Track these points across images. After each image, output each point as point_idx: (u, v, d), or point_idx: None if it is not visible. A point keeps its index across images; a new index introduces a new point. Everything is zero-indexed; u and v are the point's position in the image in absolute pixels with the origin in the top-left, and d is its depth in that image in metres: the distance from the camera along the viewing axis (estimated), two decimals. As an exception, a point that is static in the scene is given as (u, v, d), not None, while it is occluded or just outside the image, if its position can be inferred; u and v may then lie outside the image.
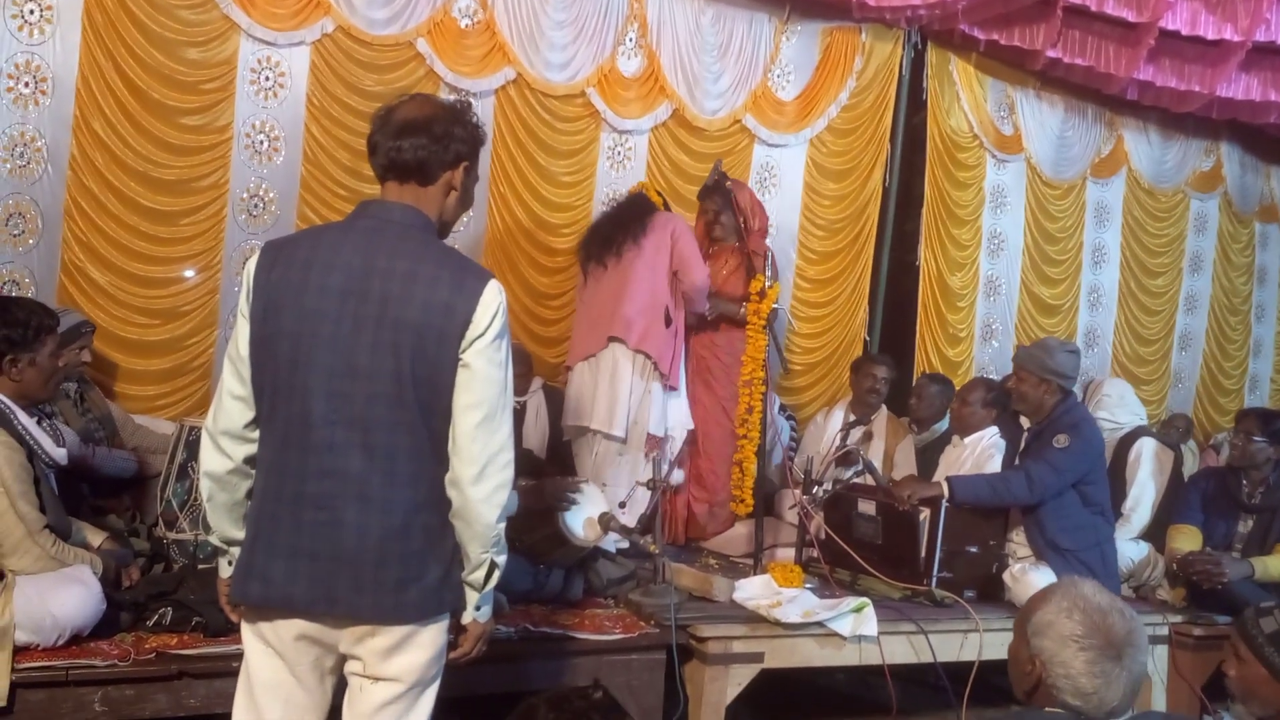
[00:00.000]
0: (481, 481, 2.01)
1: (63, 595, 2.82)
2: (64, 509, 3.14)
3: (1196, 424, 7.21)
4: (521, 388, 4.89)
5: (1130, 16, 5.90)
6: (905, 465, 5.07)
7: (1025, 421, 4.55)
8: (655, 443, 4.65)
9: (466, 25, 5.14)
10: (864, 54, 6.08)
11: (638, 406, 4.60)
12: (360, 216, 2.11)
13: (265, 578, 2.02)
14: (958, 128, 6.44)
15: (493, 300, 2.02)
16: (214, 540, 2.19)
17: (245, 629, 2.11)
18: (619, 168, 5.60)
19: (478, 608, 2.14)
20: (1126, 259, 7.21)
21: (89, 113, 4.44)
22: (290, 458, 2.01)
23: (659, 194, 5.06)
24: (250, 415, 2.07)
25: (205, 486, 2.12)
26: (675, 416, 4.76)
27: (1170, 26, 5.92)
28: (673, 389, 4.72)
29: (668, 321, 4.67)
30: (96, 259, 4.50)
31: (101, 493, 3.83)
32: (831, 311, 6.21)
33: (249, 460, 2.09)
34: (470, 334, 1.99)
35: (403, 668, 2.05)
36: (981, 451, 4.61)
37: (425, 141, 2.06)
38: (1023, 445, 4.43)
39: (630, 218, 4.78)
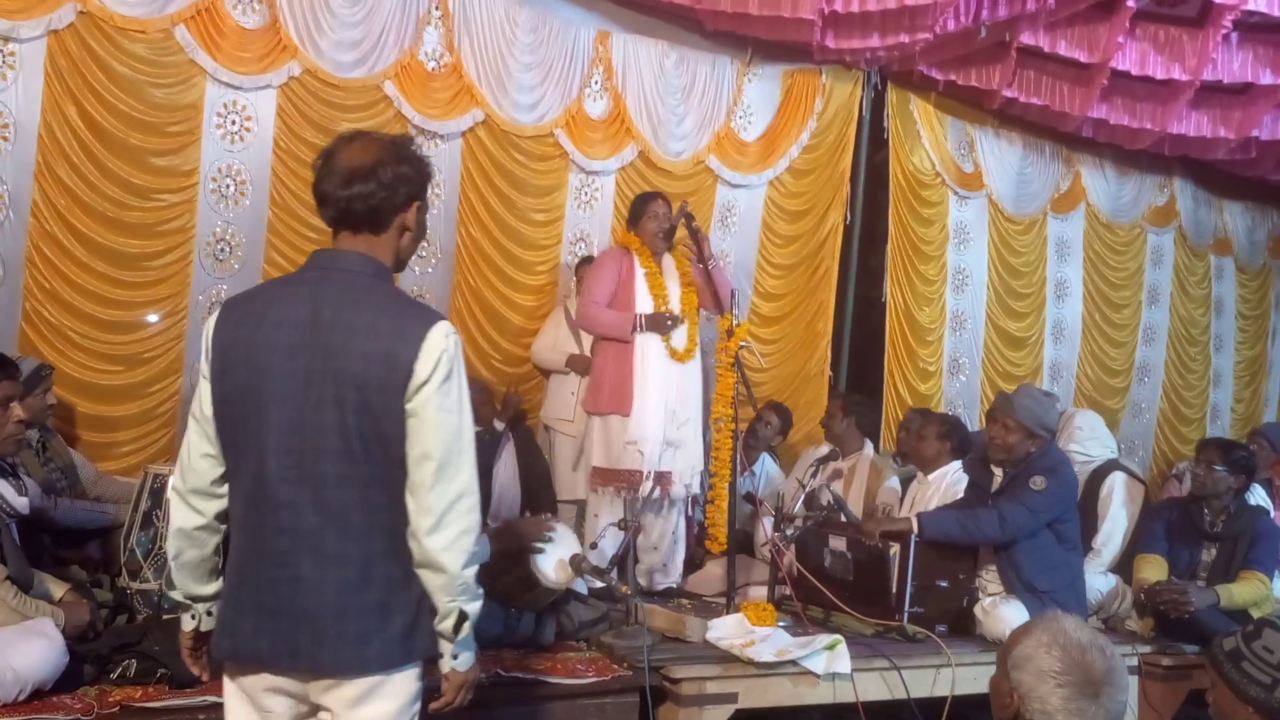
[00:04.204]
0: (439, 531, 1.98)
1: (24, 648, 2.75)
2: (26, 560, 3.08)
3: (1159, 454, 7.31)
4: (481, 416, 4.90)
5: (1082, 57, 6.06)
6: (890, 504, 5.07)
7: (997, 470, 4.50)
8: (635, 476, 4.51)
9: (433, 68, 5.18)
10: (824, 95, 6.20)
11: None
12: (310, 268, 2.07)
13: (234, 633, 2.03)
14: (920, 165, 6.55)
15: (437, 345, 1.95)
16: (176, 596, 2.17)
17: (225, 680, 2.11)
18: (586, 208, 5.65)
19: (455, 656, 2.09)
20: (1089, 292, 7.35)
21: (51, 157, 4.41)
22: (252, 516, 2.02)
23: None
24: (220, 471, 2.07)
25: (174, 544, 2.10)
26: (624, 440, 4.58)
27: (1121, 67, 6.09)
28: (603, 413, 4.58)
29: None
30: (59, 305, 4.45)
31: (64, 544, 3.76)
32: (783, 347, 6.25)
33: (220, 516, 2.09)
34: (414, 383, 1.95)
35: (372, 717, 2.02)
36: (947, 488, 4.62)
37: (374, 188, 2.00)
38: (996, 488, 4.38)
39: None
